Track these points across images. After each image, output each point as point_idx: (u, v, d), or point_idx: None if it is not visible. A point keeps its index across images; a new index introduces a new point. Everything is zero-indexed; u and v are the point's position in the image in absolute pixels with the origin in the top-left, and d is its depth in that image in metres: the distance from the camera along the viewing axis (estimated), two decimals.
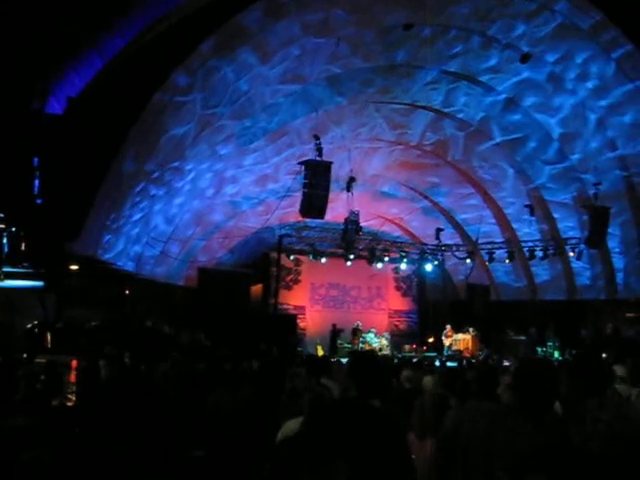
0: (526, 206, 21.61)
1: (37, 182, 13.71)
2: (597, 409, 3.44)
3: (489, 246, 23.34)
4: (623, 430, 3.32)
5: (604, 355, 16.50)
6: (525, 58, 16.85)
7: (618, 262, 21.16)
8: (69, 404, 7.83)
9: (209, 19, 13.77)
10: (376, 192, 23.96)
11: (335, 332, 23.83)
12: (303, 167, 15.82)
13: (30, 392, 7.33)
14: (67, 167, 13.38)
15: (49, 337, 12.21)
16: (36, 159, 13.44)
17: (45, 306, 12.67)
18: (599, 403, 3.48)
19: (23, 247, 14.00)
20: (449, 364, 16.05)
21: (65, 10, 12.18)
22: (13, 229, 13.87)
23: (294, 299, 26.00)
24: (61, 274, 14.80)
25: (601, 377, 3.66)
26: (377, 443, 2.91)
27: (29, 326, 12.07)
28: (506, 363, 10.48)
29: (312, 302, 26.46)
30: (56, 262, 14.24)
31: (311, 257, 23.68)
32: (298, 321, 24.96)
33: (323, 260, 23.62)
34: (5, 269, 13.40)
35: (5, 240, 13.89)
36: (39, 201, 13.76)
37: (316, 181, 15.50)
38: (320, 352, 21.82)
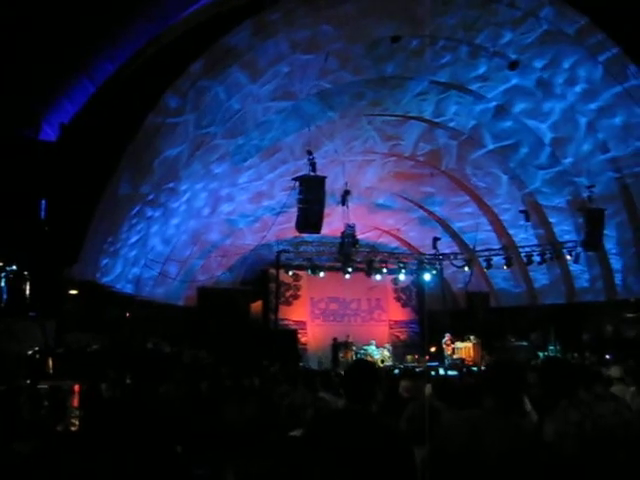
0: (521, 212, 21.69)
1: (43, 210, 13.54)
2: (567, 410, 3.51)
3: (486, 253, 23.40)
4: (591, 430, 3.39)
5: (607, 357, 16.56)
6: (513, 65, 16.98)
7: (616, 263, 21.24)
8: (73, 429, 7.85)
9: (198, 40, 13.90)
10: (371, 204, 24.04)
11: (336, 346, 23.83)
12: (297, 183, 15.87)
13: (34, 418, 7.35)
14: (63, 193, 13.44)
15: (50, 363, 12.17)
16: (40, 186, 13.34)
17: (45, 332, 12.61)
18: (569, 404, 3.55)
19: (28, 291, 13.08)
20: (450, 373, 16.07)
21: (54, 36, 12.29)
22: (14, 267, 12.73)
23: (294, 314, 25.98)
24: (60, 299, 14.76)
25: (571, 379, 3.74)
26: (376, 451, 2.96)
27: (30, 352, 12.04)
28: None
29: (312, 317, 26.44)
30: (55, 287, 14.21)
31: (309, 272, 23.72)
32: (299, 336, 24.90)
33: (322, 274, 23.66)
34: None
35: (3, 283, 12.42)
36: (46, 229, 13.50)
37: (311, 196, 15.53)
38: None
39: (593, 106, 17.81)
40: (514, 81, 17.70)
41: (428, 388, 7.11)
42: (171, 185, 17.05)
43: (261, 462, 2.92)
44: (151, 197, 16.58)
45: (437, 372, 16.62)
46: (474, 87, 18.08)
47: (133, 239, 17.23)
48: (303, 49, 15.34)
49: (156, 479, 4.16)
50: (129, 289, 18.47)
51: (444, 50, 16.63)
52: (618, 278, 21.40)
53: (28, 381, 9.17)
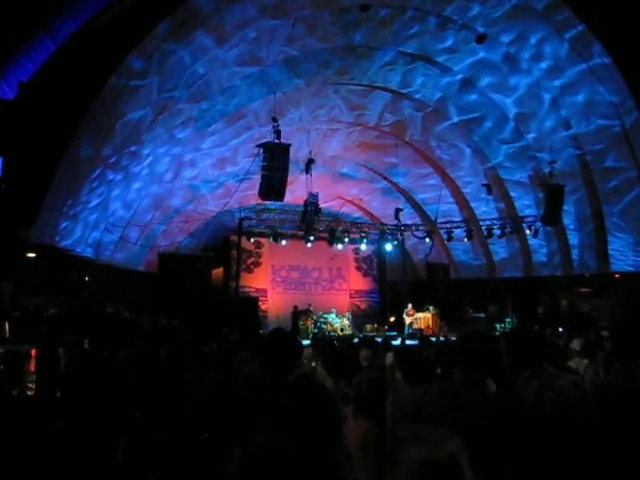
0: (483, 185, 21.87)
1: (0, 168, 13.22)
2: (528, 380, 3.58)
3: (448, 225, 23.61)
4: (550, 401, 3.46)
5: (560, 329, 16.93)
6: (481, 39, 16.98)
7: (573, 239, 21.63)
8: (29, 393, 7.79)
9: (164, 1, 13.60)
10: (335, 173, 24.02)
11: (296, 314, 23.93)
12: (261, 150, 15.76)
13: None
14: (21, 153, 13.15)
15: (7, 326, 12.01)
16: None
17: (1, 295, 12.42)
18: (531, 374, 3.62)
19: None
20: (409, 342, 16.29)
21: None
22: None
23: (255, 282, 26.03)
24: (17, 262, 14.52)
25: (535, 349, 3.79)
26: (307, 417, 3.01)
27: None
28: None
29: (273, 284, 26.54)
30: (11, 250, 13.96)
31: (271, 239, 23.67)
32: (260, 304, 25.00)
33: (283, 242, 23.64)
34: None
35: None
36: (3, 187, 13.22)
37: (274, 163, 15.46)
38: None
39: (557, 83, 17.95)
40: (481, 55, 17.73)
41: (389, 357, 7.20)
42: (133, 149, 16.79)
43: (268, 436, 2.93)
44: (112, 160, 16.32)
45: (403, 341, 16.80)
46: (441, 59, 18.07)
47: (93, 202, 16.98)
48: (271, 14, 15.11)
49: (114, 445, 4.15)
50: (89, 253, 18.25)
51: (412, 21, 16.54)
52: (575, 253, 21.80)
53: None
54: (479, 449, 3.12)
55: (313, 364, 7.62)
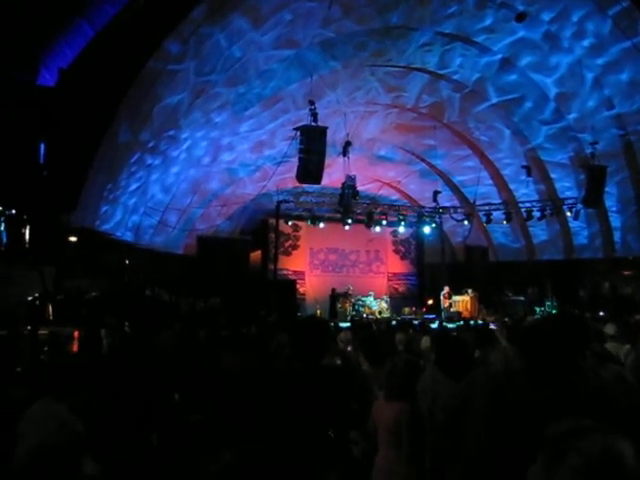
0: (523, 167, 21.57)
1: (42, 154, 13.36)
2: None
3: (486, 207, 23.34)
4: (592, 395, 3.37)
5: (601, 313, 16.66)
6: (520, 17, 16.65)
7: (615, 221, 21.24)
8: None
9: None
10: (373, 156, 23.90)
11: (334, 296, 23.92)
12: (299, 133, 15.74)
13: (35, 363, 7.44)
14: (62, 138, 13.34)
15: (50, 309, 12.25)
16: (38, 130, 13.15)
17: (44, 278, 12.64)
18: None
19: (27, 235, 13.03)
20: (448, 325, 16.19)
21: None
22: (13, 212, 12.82)
23: (293, 264, 26.10)
24: (59, 246, 14.77)
25: (582, 335, 3.68)
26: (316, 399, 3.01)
27: (30, 298, 12.11)
28: (492, 326, 10.41)
29: (311, 267, 26.57)
30: (54, 234, 14.19)
31: (309, 222, 23.71)
32: (297, 286, 25.06)
33: (321, 225, 23.63)
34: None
35: (3, 227, 12.50)
36: (45, 173, 13.35)
37: (312, 146, 15.43)
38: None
39: (600, 61, 17.57)
40: (521, 34, 17.40)
41: (425, 341, 7.17)
42: (171, 133, 16.94)
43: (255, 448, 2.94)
44: (151, 145, 16.49)
45: (441, 325, 16.68)
46: (480, 39, 17.78)
47: (133, 187, 17.19)
48: None
49: (152, 424, 4.23)
50: (129, 237, 18.51)
51: (450, 0, 16.30)
52: (617, 236, 21.43)
53: (29, 327, 9.25)
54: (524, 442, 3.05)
55: (349, 348, 7.62)
